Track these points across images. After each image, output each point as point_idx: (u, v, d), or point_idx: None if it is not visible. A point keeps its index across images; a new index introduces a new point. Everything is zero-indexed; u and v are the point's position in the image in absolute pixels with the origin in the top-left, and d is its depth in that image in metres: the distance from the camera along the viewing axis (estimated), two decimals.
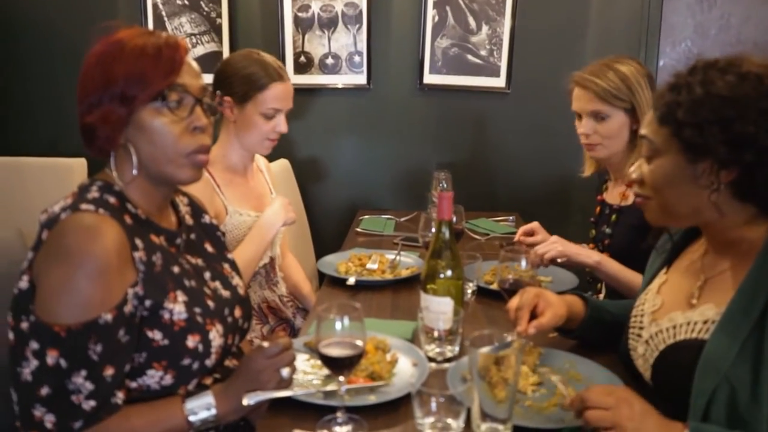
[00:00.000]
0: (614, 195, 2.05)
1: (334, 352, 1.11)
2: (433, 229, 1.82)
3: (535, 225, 2.08)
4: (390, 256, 2.12)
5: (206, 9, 3.07)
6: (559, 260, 1.81)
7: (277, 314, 2.07)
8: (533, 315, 1.35)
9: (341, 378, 1.12)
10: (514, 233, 2.51)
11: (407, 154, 3.20)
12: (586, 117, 1.95)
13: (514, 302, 1.37)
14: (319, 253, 2.54)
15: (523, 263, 1.49)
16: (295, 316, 2.12)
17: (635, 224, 1.90)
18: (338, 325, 1.11)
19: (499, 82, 3.06)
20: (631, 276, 1.79)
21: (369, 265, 2.03)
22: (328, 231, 3.21)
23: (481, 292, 1.78)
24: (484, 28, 3.01)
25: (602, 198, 2.13)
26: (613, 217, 2.01)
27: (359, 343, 1.11)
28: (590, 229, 2.15)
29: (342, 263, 2.04)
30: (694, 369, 1.07)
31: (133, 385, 1.16)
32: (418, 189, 2.96)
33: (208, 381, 1.26)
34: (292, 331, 2.08)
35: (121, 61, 1.14)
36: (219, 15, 3.07)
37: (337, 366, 1.11)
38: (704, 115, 1.06)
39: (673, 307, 1.23)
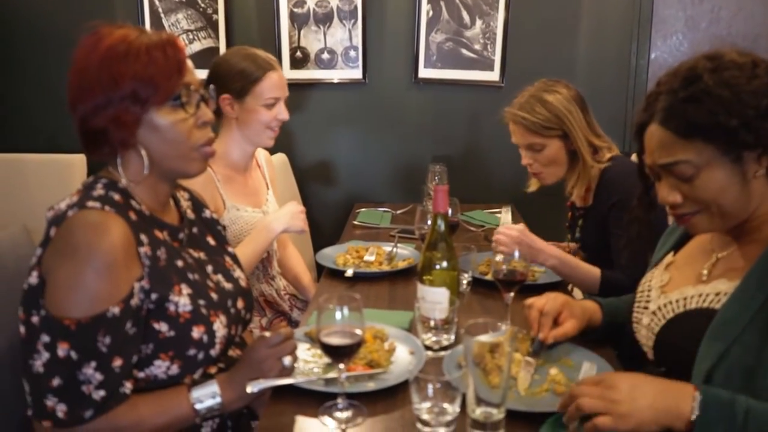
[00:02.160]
0: (578, 198, 2.11)
1: (334, 340, 1.15)
2: (429, 222, 1.87)
3: (520, 226, 2.13)
4: (387, 248, 2.16)
5: (202, 5, 3.09)
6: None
7: (274, 307, 2.12)
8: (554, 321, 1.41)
9: (341, 366, 1.16)
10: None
11: (403, 148, 3.24)
12: (524, 149, 2.04)
13: (539, 302, 1.41)
14: (317, 245, 2.58)
15: (516, 254, 1.53)
16: (292, 309, 2.17)
17: (598, 222, 1.96)
18: (338, 315, 1.15)
19: (493, 75, 3.10)
20: (586, 272, 1.82)
21: (366, 257, 2.07)
22: (326, 224, 3.25)
23: (476, 283, 1.83)
24: (478, 23, 3.05)
25: (571, 203, 2.18)
26: (580, 221, 2.08)
27: (358, 332, 1.15)
28: (566, 235, 2.20)
29: (340, 255, 2.09)
30: (701, 336, 1.12)
31: (141, 375, 1.20)
32: (414, 182, 3.00)
33: (213, 370, 1.30)
34: (290, 323, 2.12)
35: (128, 62, 1.16)
36: (215, 11, 3.10)
37: (337, 354, 1.15)
38: (746, 111, 1.07)
39: (683, 283, 1.27)
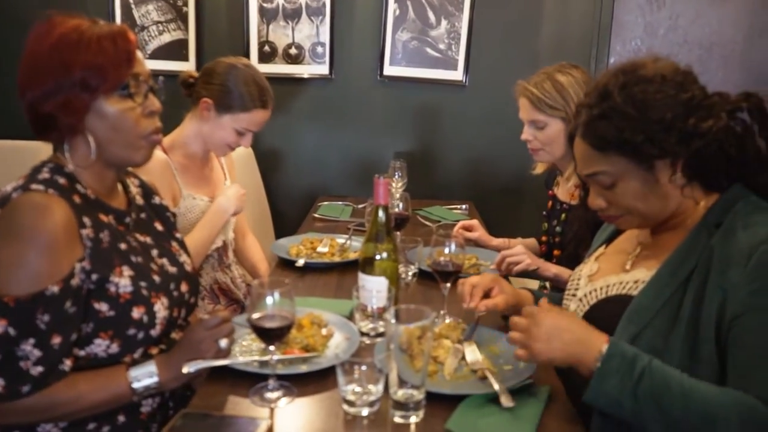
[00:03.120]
0: (564, 192, 2.16)
1: (265, 323, 1.20)
2: None
3: (474, 222, 2.20)
4: (341, 240, 2.21)
5: None
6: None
7: (228, 295, 2.17)
8: (486, 297, 1.48)
9: (272, 347, 1.22)
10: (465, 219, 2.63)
11: (367, 143, 3.30)
12: (527, 125, 2.08)
13: (471, 279, 1.49)
14: (280, 236, 2.63)
15: (453, 246, 1.59)
16: (246, 297, 2.22)
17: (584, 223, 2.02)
18: (269, 300, 1.20)
19: (457, 75, 3.17)
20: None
21: (320, 248, 2.13)
22: (289, 216, 3.30)
23: (423, 275, 1.89)
24: (443, 23, 3.11)
25: (553, 193, 2.24)
26: (564, 215, 2.12)
27: (288, 315, 1.21)
28: (543, 222, 2.25)
29: (294, 246, 2.14)
30: (619, 321, 1.20)
31: (81, 353, 1.25)
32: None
33: (154, 351, 1.34)
34: (243, 310, 2.17)
35: (79, 50, 1.21)
36: (185, 3, 3.13)
37: (267, 336, 1.21)
38: (651, 126, 1.16)
39: (609, 272, 1.36)
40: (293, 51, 3.16)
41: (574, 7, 3.14)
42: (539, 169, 2.28)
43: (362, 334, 1.49)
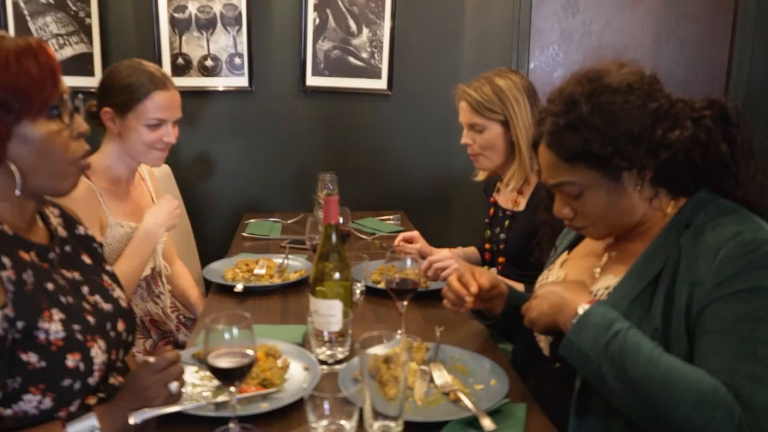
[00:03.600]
0: (506, 199, 2.14)
1: (224, 363, 1.09)
2: (319, 231, 1.84)
3: (415, 234, 2.16)
4: (277, 260, 2.10)
5: (74, 8, 2.90)
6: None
7: (160, 327, 2.00)
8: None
9: (232, 389, 1.11)
10: (398, 232, 2.58)
11: (292, 157, 3.20)
12: (466, 128, 2.06)
13: (453, 279, 1.46)
14: (205, 259, 2.49)
15: (408, 262, 1.53)
16: (179, 329, 2.07)
17: (527, 230, 2.00)
18: (227, 336, 1.10)
19: (381, 84, 3.12)
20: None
21: (257, 271, 2.01)
22: (213, 236, 3.14)
23: (370, 292, 1.82)
24: (365, 31, 3.06)
25: (494, 200, 2.22)
26: (507, 222, 2.11)
27: (249, 352, 1.10)
28: (484, 230, 2.23)
29: (229, 270, 2.01)
30: None
31: (8, 412, 1.09)
32: (304, 191, 2.97)
33: (92, 401, 1.20)
34: (176, 344, 2.02)
35: None
36: (88, 14, 2.91)
37: (227, 377, 1.10)
38: (619, 138, 1.14)
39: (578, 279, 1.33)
40: (209, 63, 3.01)
41: (494, 14, 3.16)
42: (481, 176, 2.26)
43: (320, 362, 1.39)
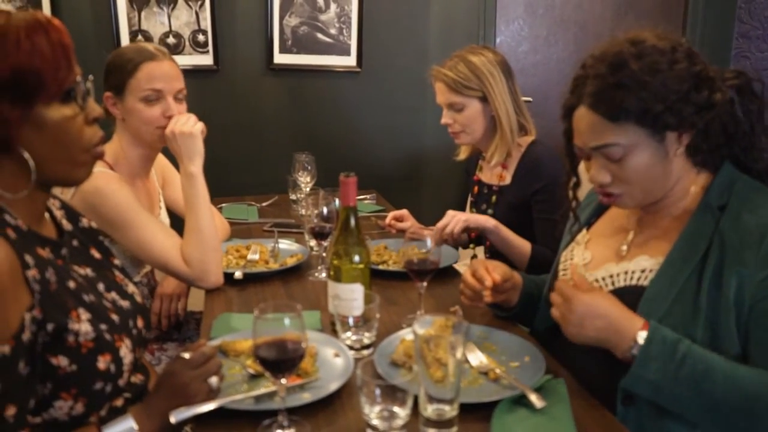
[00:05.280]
0: (491, 175, 2.15)
1: (274, 353, 1.05)
2: (322, 214, 1.80)
3: (404, 212, 2.14)
4: (266, 244, 2.04)
5: None
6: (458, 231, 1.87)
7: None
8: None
9: (283, 380, 1.06)
10: (379, 211, 2.55)
11: (260, 137, 3.11)
12: (445, 108, 2.06)
13: (467, 276, 1.44)
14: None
15: (428, 243, 1.51)
16: (183, 324, 1.99)
17: (514, 202, 2.03)
18: (276, 325, 1.05)
19: (350, 60, 3.06)
20: (520, 242, 1.92)
21: (250, 256, 1.94)
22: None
23: (374, 274, 1.78)
24: (332, 6, 2.99)
25: (478, 178, 2.22)
26: (494, 198, 2.12)
27: (300, 341, 1.06)
28: (470, 209, 2.23)
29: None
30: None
31: (38, 420, 1.01)
32: (274, 172, 2.89)
33: (119, 402, 1.13)
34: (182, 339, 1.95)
35: (5, 49, 0.95)
36: None
37: (278, 369, 1.05)
38: (670, 96, 1.14)
39: (605, 260, 1.33)
40: (171, 40, 2.88)
41: None
42: (462, 154, 2.26)
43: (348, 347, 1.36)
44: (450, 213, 1.89)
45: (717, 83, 1.18)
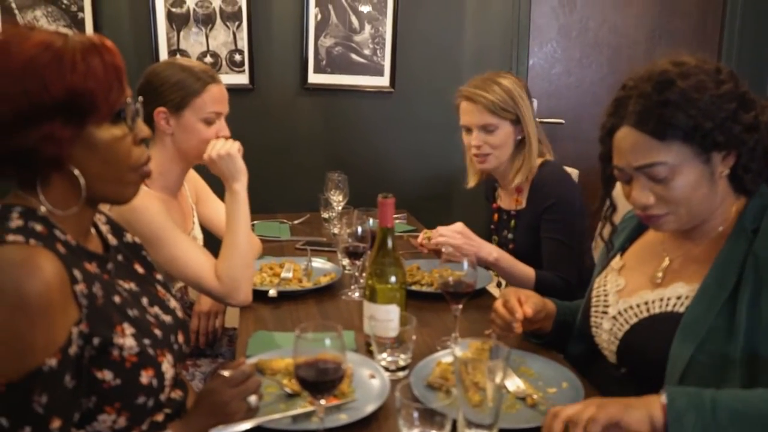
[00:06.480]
0: (508, 201, 2.15)
1: (314, 374, 1.05)
2: (357, 233, 1.81)
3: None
4: (299, 263, 2.06)
5: (65, 1, 2.79)
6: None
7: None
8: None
9: (322, 401, 1.07)
10: (410, 231, 2.55)
11: (293, 156, 3.14)
12: (477, 130, 2.03)
13: (499, 306, 1.41)
14: None
15: (465, 265, 1.50)
16: (214, 342, 2.01)
17: (530, 225, 2.02)
18: (317, 345, 1.06)
19: (383, 81, 3.09)
20: (524, 271, 1.91)
21: (284, 274, 1.96)
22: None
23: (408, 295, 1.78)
24: (367, 27, 3.02)
25: (497, 205, 2.22)
26: (512, 222, 2.11)
27: (340, 362, 1.06)
28: (491, 237, 2.22)
29: (255, 274, 1.95)
30: (667, 340, 1.16)
31: None
32: (307, 190, 2.91)
33: (159, 418, 1.14)
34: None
35: (61, 70, 0.98)
36: (81, 8, 2.80)
37: (318, 389, 1.06)
38: (719, 114, 1.13)
39: (640, 287, 1.31)
40: (208, 59, 2.93)
41: (494, 11, 3.16)
42: (472, 182, 2.26)
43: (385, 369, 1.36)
44: (458, 228, 1.86)
45: (758, 105, 1.18)
